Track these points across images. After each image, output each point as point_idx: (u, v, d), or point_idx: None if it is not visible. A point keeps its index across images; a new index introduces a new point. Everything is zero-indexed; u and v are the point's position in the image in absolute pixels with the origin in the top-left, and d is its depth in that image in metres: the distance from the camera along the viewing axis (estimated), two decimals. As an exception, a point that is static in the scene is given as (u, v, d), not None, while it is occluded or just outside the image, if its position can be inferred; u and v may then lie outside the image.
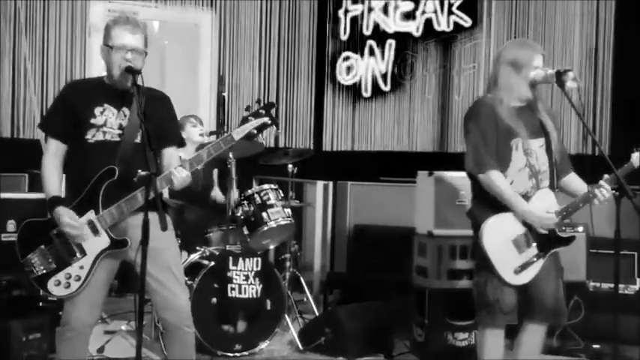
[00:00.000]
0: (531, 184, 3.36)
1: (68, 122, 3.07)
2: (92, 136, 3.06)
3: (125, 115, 3.09)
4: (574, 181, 3.53)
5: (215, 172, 5.40)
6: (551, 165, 3.41)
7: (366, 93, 7.39)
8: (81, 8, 6.51)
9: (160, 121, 3.13)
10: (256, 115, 3.04)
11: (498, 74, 3.39)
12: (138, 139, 3.05)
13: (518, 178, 3.34)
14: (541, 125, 3.41)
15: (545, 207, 3.34)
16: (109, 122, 3.07)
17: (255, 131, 3.04)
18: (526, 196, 3.34)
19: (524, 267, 3.31)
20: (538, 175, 3.37)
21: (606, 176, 3.23)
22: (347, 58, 7.43)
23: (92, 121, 3.06)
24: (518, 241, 3.32)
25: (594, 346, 4.60)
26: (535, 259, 3.33)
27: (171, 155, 3.22)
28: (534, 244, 3.33)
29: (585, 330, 4.63)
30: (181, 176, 2.95)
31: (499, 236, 3.31)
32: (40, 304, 4.13)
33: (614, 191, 3.19)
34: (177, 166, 3.00)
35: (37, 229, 3.05)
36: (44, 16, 6.39)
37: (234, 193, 4.73)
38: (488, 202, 3.33)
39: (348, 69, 7.44)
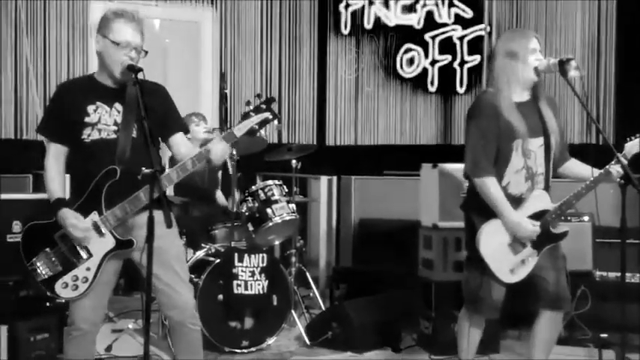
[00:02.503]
0: (527, 187, 3.37)
1: (64, 124, 3.05)
2: (88, 135, 3.03)
3: (118, 112, 3.06)
4: (577, 165, 3.56)
5: (219, 173, 5.40)
6: (547, 167, 3.42)
7: (369, 87, 7.38)
8: (81, 8, 6.50)
9: (160, 112, 3.10)
10: (257, 110, 3.00)
11: (498, 68, 3.37)
12: (134, 134, 3.03)
13: (514, 180, 3.35)
14: (542, 122, 3.39)
15: (540, 208, 3.36)
16: (102, 119, 3.04)
17: (257, 127, 3.00)
18: (521, 198, 3.36)
19: (519, 266, 3.36)
20: (534, 178, 3.38)
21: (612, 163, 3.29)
22: (349, 52, 7.42)
23: (86, 119, 3.03)
24: (514, 244, 3.36)
25: (602, 335, 4.59)
26: (530, 257, 3.37)
27: (179, 142, 3.19)
28: (529, 244, 3.36)
29: (593, 319, 4.61)
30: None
31: (495, 241, 3.34)
32: (48, 304, 4.13)
33: (620, 180, 3.18)
34: (178, 165, 2.98)
35: (41, 231, 3.04)
36: (45, 15, 6.39)
37: (236, 195, 4.71)
38: (485, 204, 3.34)
39: (351, 63, 7.42)
